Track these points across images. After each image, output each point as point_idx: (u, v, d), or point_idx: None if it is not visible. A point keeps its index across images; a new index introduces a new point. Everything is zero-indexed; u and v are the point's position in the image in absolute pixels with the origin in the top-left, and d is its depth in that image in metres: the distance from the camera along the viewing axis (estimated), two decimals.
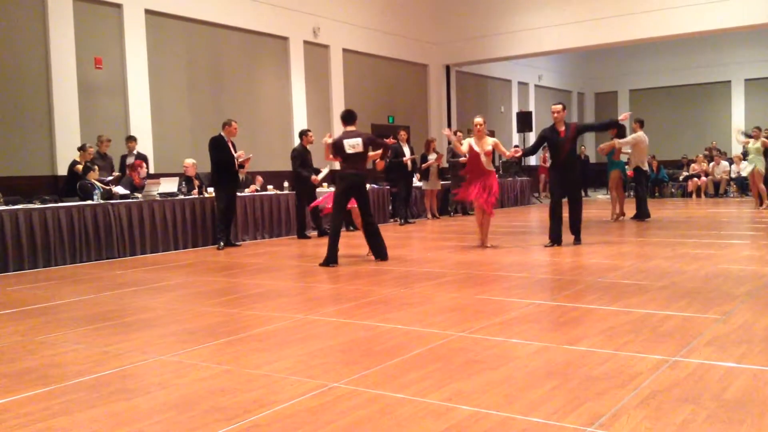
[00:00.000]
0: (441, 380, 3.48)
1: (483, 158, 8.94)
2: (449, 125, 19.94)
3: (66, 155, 10.85)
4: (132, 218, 9.76)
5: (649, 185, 17.20)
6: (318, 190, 12.20)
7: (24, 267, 8.57)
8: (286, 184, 12.44)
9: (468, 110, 21.49)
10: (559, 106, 9.02)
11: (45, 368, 4.02)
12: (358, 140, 8.11)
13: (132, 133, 12.09)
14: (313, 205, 10.82)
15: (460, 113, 20.80)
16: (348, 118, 8.38)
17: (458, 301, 5.58)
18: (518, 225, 12.71)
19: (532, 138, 22.23)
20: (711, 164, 19.59)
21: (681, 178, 20.28)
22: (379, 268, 7.76)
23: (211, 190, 10.77)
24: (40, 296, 6.70)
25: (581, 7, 17.60)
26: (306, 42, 15.68)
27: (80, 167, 10.31)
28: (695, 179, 19.53)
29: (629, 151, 12.48)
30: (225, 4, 13.78)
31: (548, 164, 21.84)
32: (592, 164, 23.61)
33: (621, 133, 12.34)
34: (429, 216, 14.78)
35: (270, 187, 12.41)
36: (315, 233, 11.72)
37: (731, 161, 19.18)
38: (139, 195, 10.24)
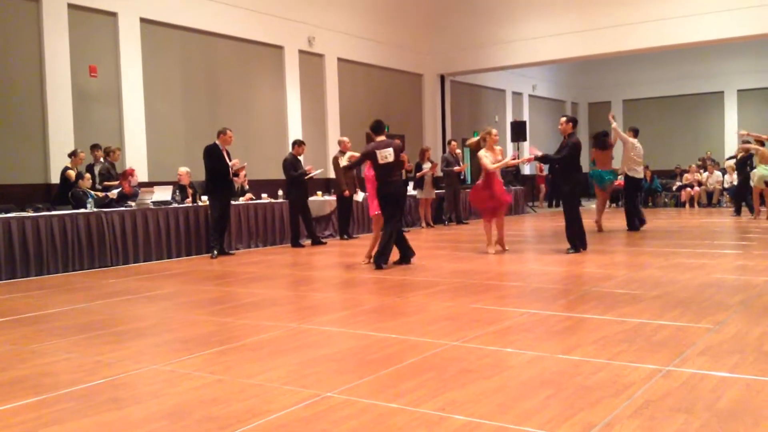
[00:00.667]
0: (435, 390, 3.47)
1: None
2: (443, 134, 20.00)
3: (60, 164, 10.81)
4: (125, 227, 9.73)
5: (642, 194, 17.21)
6: (312, 199, 12.21)
7: (16, 275, 8.53)
8: (280, 192, 12.44)
9: (462, 119, 21.57)
10: (562, 119, 9.37)
11: (37, 377, 4.00)
12: (390, 150, 8.30)
13: (126, 142, 12.09)
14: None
15: (454, 122, 20.86)
16: (378, 128, 8.53)
17: (452, 310, 5.58)
18: (513, 234, 12.72)
19: (525, 147, 22.33)
20: (705, 174, 19.66)
21: (674, 188, 20.36)
22: (373, 276, 7.75)
23: (205, 198, 10.76)
24: (32, 305, 6.67)
25: (575, 17, 17.70)
26: (301, 51, 15.72)
27: (72, 173, 10.28)
28: (688, 189, 19.60)
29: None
30: (220, 13, 13.80)
31: (545, 173, 21.99)
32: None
33: (601, 145, 12.22)
34: (423, 225, 14.78)
35: (264, 195, 12.40)
36: (309, 242, 11.71)
37: (724, 171, 19.27)
38: (133, 203, 10.21)
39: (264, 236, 11.77)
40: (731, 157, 16.41)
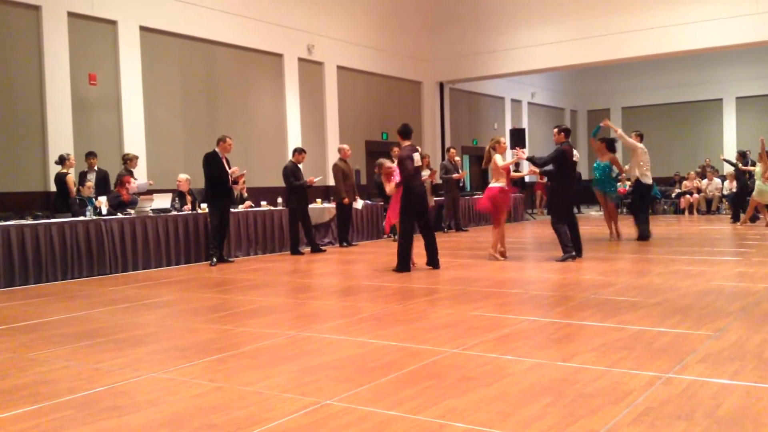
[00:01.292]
0: (435, 397, 3.47)
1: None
2: (443, 142, 20.02)
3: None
4: (124, 234, 9.72)
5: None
6: (311, 206, 12.21)
7: (15, 283, 8.52)
8: (279, 200, 12.44)
9: (461, 127, 21.60)
10: (554, 130, 9.57)
11: (35, 385, 3.99)
12: (418, 155, 8.67)
13: (126, 149, 12.08)
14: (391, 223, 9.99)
15: (453, 130, 20.89)
16: (407, 132, 8.76)
17: (452, 318, 5.57)
18: (512, 241, 12.71)
19: (524, 154, 22.32)
20: (704, 181, 19.68)
21: (673, 195, 20.37)
22: (373, 284, 7.75)
23: (204, 206, 10.75)
24: (31, 313, 6.66)
25: (574, 25, 17.75)
26: (300, 59, 15.74)
27: (71, 177, 10.27)
28: (687, 196, 19.61)
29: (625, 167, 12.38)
30: (219, 21, 13.83)
31: (544, 181, 21.97)
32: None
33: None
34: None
35: (263, 203, 12.40)
36: (308, 249, 11.70)
37: (724, 178, 19.28)
38: (132, 211, 10.21)
39: (263, 244, 11.76)
40: (733, 164, 16.22)
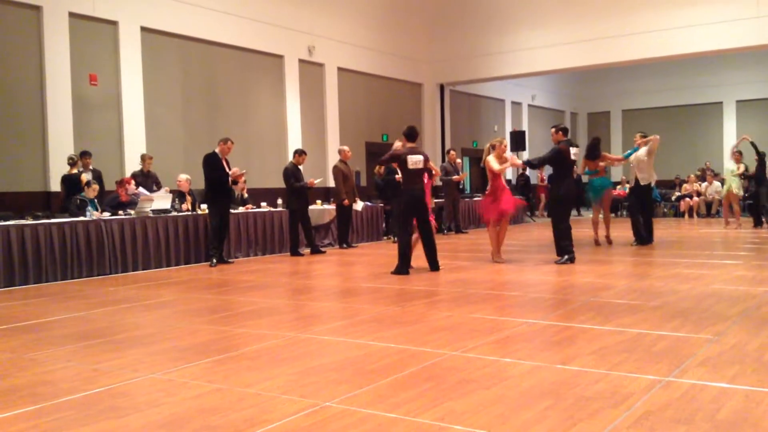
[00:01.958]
0: (434, 399, 3.47)
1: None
2: (443, 144, 20.03)
3: (59, 171, 10.80)
4: (124, 235, 9.72)
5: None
6: (311, 207, 12.22)
7: (15, 283, 8.51)
8: (279, 201, 12.44)
9: (461, 129, 21.60)
10: (552, 129, 9.52)
11: (34, 386, 3.99)
12: (420, 157, 8.62)
13: (126, 150, 12.10)
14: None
15: (453, 132, 20.89)
16: (412, 135, 8.80)
17: (451, 320, 5.57)
18: (512, 243, 12.72)
19: (525, 156, 22.34)
20: (704, 184, 19.69)
21: (673, 198, 20.38)
22: (372, 285, 7.75)
23: (204, 206, 10.75)
24: (30, 313, 6.66)
25: (575, 28, 17.75)
26: (301, 60, 15.75)
27: (85, 176, 10.32)
28: (687, 199, 19.62)
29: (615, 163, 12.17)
30: (220, 22, 13.84)
31: (545, 183, 21.92)
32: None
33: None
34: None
35: (263, 204, 12.40)
36: (308, 251, 11.70)
37: (723, 182, 19.29)
38: (132, 211, 10.21)
39: (263, 245, 11.76)
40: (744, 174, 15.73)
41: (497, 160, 9.40)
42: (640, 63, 20.01)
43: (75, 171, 10.47)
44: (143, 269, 9.90)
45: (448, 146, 19.53)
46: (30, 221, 8.88)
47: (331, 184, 13.68)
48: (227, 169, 10.36)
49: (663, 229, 15.26)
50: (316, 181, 11.81)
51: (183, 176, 11.52)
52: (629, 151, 11.80)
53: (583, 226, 16.11)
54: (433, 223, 9.19)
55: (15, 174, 10.83)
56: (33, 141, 11.03)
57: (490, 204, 9.52)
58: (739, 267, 8.50)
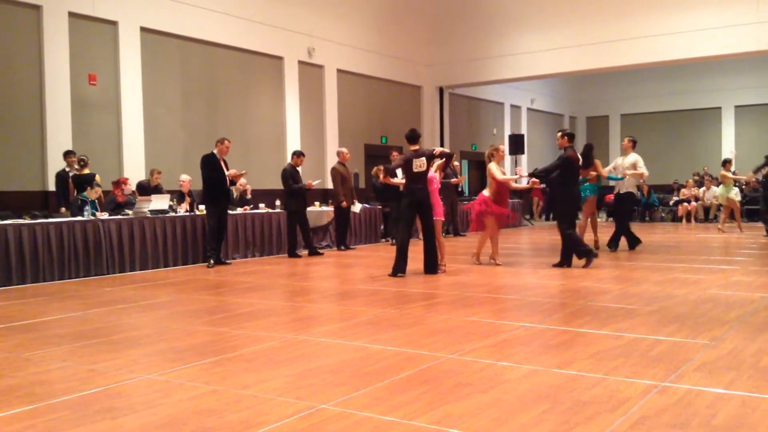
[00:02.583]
0: (431, 403, 3.46)
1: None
2: (441, 146, 20.01)
3: (58, 170, 10.81)
4: (122, 235, 9.71)
5: (638, 209, 17.10)
6: (309, 209, 12.21)
7: (12, 282, 8.50)
8: (278, 202, 12.44)
9: (460, 132, 21.61)
10: (558, 134, 9.51)
11: (30, 386, 3.98)
12: (423, 160, 8.67)
13: (124, 150, 12.09)
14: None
15: (452, 135, 20.91)
16: (413, 138, 8.90)
17: (449, 323, 5.57)
18: (510, 247, 12.73)
19: (524, 161, 22.39)
20: (702, 189, 19.72)
21: (671, 202, 20.40)
22: (370, 288, 7.74)
23: (202, 207, 10.75)
24: (27, 312, 6.65)
25: (574, 32, 17.79)
26: (301, 62, 15.77)
27: (86, 170, 10.36)
28: (685, 204, 19.64)
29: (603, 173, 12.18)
30: (220, 23, 13.85)
31: (541, 186, 21.92)
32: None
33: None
34: (421, 236, 14.75)
35: (262, 205, 12.40)
36: (305, 252, 11.69)
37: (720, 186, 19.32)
38: (130, 211, 10.20)
39: (261, 246, 11.75)
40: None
41: (498, 169, 9.47)
42: (640, 67, 20.06)
43: (87, 171, 10.52)
44: (140, 270, 9.89)
45: (447, 149, 19.50)
46: (28, 221, 8.87)
47: (330, 185, 13.69)
48: (225, 170, 10.36)
49: (660, 233, 15.28)
50: (314, 183, 11.81)
51: (185, 177, 11.53)
52: (615, 177, 11.69)
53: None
54: (440, 218, 9.21)
55: (13, 173, 10.83)
56: (31, 140, 11.03)
57: (494, 209, 9.49)
58: (736, 272, 8.51)
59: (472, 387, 3.73)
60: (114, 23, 12.08)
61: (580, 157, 9.38)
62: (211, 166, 10.28)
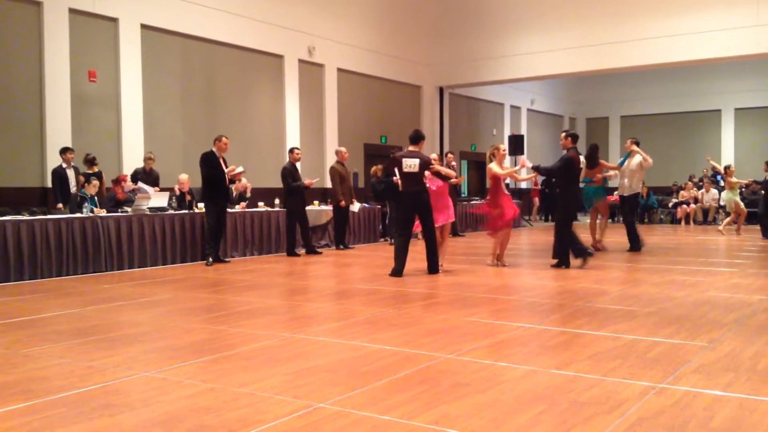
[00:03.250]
0: (428, 402, 3.46)
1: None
2: (441, 147, 20.03)
3: (54, 167, 10.79)
4: (120, 232, 9.70)
5: (638, 211, 17.10)
6: (308, 208, 12.20)
7: (10, 279, 8.49)
8: (277, 201, 12.43)
9: (460, 132, 21.62)
10: (562, 134, 9.57)
11: (28, 382, 3.98)
12: (416, 161, 8.61)
13: (124, 147, 12.07)
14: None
15: (452, 135, 20.91)
16: (412, 138, 8.91)
17: (447, 323, 5.57)
18: (509, 248, 12.71)
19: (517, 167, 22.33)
20: (701, 191, 19.74)
21: (670, 204, 20.41)
22: (368, 287, 7.74)
23: (201, 205, 10.75)
24: (25, 309, 6.64)
25: (575, 33, 17.78)
26: (301, 60, 15.75)
27: (95, 167, 10.46)
28: (684, 206, 19.65)
29: (611, 174, 12.25)
30: (221, 21, 13.84)
31: (539, 187, 21.95)
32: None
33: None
34: (420, 237, 14.75)
35: (261, 203, 12.40)
36: (303, 251, 11.69)
37: (722, 189, 19.33)
38: (129, 209, 10.20)
39: (260, 245, 11.75)
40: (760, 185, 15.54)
41: (499, 166, 9.45)
42: (640, 69, 20.07)
43: (96, 169, 10.56)
44: (139, 267, 9.89)
45: (446, 149, 19.52)
46: (26, 217, 8.86)
47: (329, 184, 13.69)
48: (224, 168, 10.36)
49: (659, 235, 15.28)
50: (313, 181, 11.82)
51: (183, 176, 11.52)
52: (622, 159, 11.86)
53: (580, 231, 16.13)
54: (452, 219, 9.21)
55: (12, 169, 10.82)
56: (31, 136, 11.02)
57: (494, 213, 9.45)
58: (734, 275, 8.51)
59: (469, 387, 3.73)
60: (114, 20, 12.06)
61: (581, 158, 9.38)
62: (210, 163, 10.28)
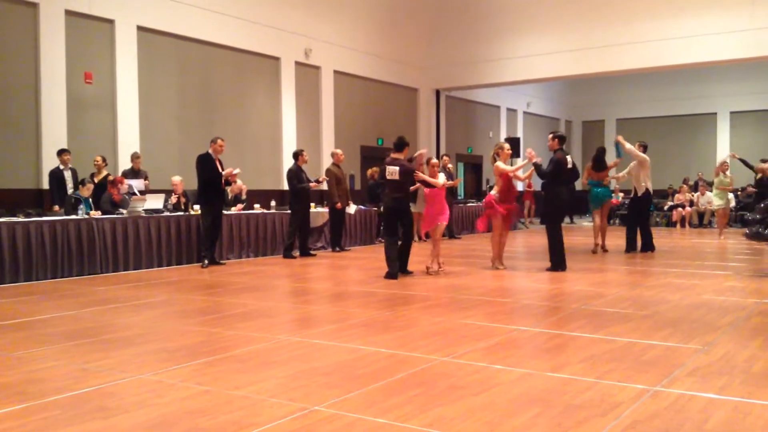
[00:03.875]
0: (423, 405, 3.46)
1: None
2: (438, 149, 20.06)
3: (51, 169, 10.77)
4: (116, 234, 9.68)
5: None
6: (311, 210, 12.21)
7: (5, 281, 8.46)
8: (273, 203, 12.41)
9: (456, 135, 21.64)
10: (549, 136, 9.60)
11: (23, 384, 3.97)
12: (395, 168, 8.68)
13: (120, 149, 12.05)
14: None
15: (448, 137, 20.93)
16: (395, 145, 8.97)
17: (442, 326, 5.57)
18: (505, 250, 12.72)
19: (519, 164, 22.37)
20: (696, 194, 19.77)
21: (666, 207, 20.44)
22: (364, 290, 7.74)
23: (196, 207, 10.73)
24: (20, 311, 6.63)
25: (571, 36, 17.82)
26: (297, 63, 15.76)
27: (104, 170, 10.56)
28: (680, 209, 19.69)
29: (618, 175, 12.36)
30: (217, 23, 13.83)
31: (532, 189, 21.97)
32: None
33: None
34: (416, 238, 14.76)
35: (257, 206, 12.38)
36: (298, 253, 11.67)
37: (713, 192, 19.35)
38: (124, 211, 10.18)
39: (255, 246, 11.73)
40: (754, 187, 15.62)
41: (505, 165, 9.46)
42: (636, 72, 20.10)
43: (106, 173, 10.75)
44: (134, 269, 9.87)
45: (442, 151, 19.54)
46: (22, 219, 8.83)
47: (325, 187, 13.68)
48: (220, 169, 10.35)
49: (655, 238, 15.27)
50: (321, 179, 11.93)
51: (177, 178, 11.50)
52: (616, 151, 11.98)
53: (576, 233, 16.17)
54: (445, 222, 9.19)
55: (7, 170, 10.79)
56: (27, 138, 11.00)
57: (500, 207, 9.46)
58: (729, 278, 8.53)
59: (465, 390, 3.73)
60: (111, 21, 12.04)
61: (568, 160, 9.40)
62: (206, 165, 10.26)
